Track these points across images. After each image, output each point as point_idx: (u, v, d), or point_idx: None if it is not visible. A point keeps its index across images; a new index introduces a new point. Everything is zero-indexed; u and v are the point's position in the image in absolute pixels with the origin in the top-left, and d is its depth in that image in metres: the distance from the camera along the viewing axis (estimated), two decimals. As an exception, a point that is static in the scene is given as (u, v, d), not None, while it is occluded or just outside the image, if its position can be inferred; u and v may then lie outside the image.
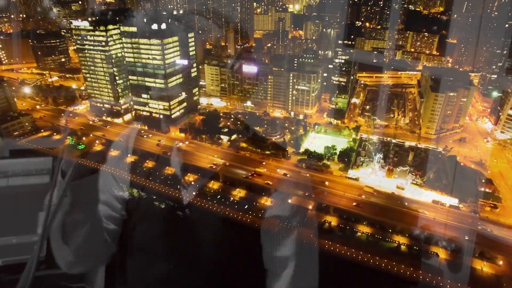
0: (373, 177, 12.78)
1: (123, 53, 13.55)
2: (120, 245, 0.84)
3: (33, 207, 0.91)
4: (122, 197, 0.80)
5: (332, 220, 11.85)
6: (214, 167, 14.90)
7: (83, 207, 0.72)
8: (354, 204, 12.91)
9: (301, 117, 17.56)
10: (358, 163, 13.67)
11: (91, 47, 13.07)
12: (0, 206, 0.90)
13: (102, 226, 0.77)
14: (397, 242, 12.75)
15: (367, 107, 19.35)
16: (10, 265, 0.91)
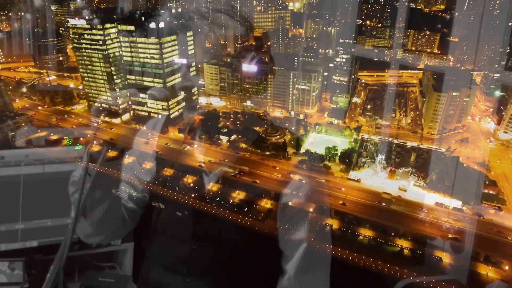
0: (374, 178, 13.63)
1: (120, 52, 13.77)
2: (145, 227, 0.91)
3: (66, 192, 1.01)
4: (145, 180, 0.84)
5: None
6: (203, 165, 16.05)
7: (102, 187, 0.77)
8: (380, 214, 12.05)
9: (301, 116, 17.69)
10: (359, 164, 14.27)
11: (88, 46, 13.18)
12: (36, 191, 1.03)
13: (119, 205, 0.83)
14: (400, 246, 13.14)
15: (368, 106, 19.49)
16: (45, 246, 1.03)
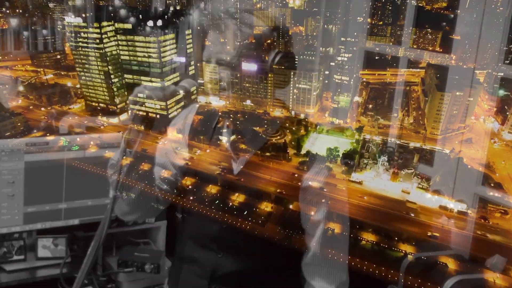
0: (377, 180, 13.40)
1: (118, 50, 13.57)
2: (177, 207, 0.97)
3: (104, 175, 1.03)
4: (179, 164, 0.91)
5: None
6: (189, 164, 17.10)
7: (138, 170, 0.82)
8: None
9: (302, 116, 17.92)
10: (361, 166, 13.89)
11: (85, 45, 12.91)
12: (78, 174, 1.12)
13: (154, 186, 0.88)
14: (403, 251, 12.82)
15: (370, 106, 19.93)
16: (85, 224, 1.11)
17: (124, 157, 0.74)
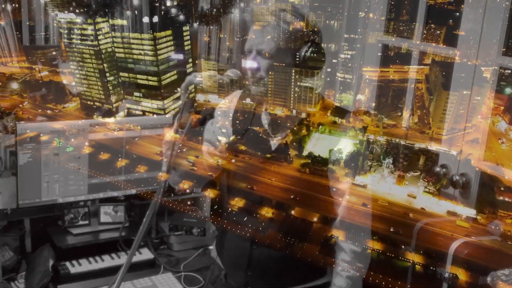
0: (382, 183, 13.42)
1: (113, 48, 13.54)
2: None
3: (157, 151, 1.25)
4: (224, 141, 1.02)
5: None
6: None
7: (188, 147, 0.91)
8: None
9: (303, 115, 18.51)
10: (365, 168, 13.80)
11: (79, 41, 12.91)
12: (135, 150, 1.25)
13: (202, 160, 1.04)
14: (411, 261, 12.60)
15: (373, 104, 20.11)
16: (141, 194, 1.25)
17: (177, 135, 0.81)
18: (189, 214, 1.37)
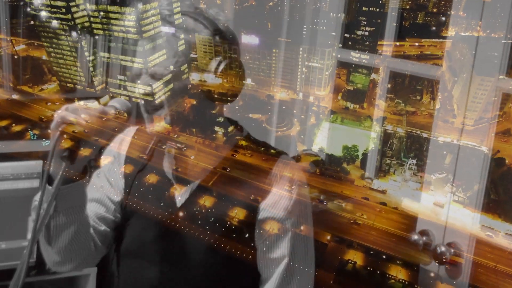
0: (404, 188, 11.51)
1: (90, 23, 12.52)
2: (110, 250, 0.91)
3: (22, 212, 1.04)
4: (117, 199, 0.84)
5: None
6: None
7: (65, 212, 0.71)
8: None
9: (311, 99, 17.10)
10: (383, 168, 11.70)
11: (49, 14, 11.95)
12: None
13: (88, 228, 0.80)
14: None
15: (389, 86, 18.36)
16: None
17: (44, 193, 0.65)
18: None
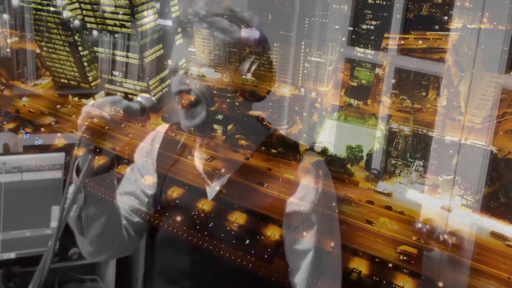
0: (410, 191, 11.30)
1: (83, 16, 12.30)
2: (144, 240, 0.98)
3: (46, 201, 1.19)
4: (150, 192, 0.93)
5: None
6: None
7: (95, 203, 0.80)
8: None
9: (313, 95, 16.72)
10: (389, 169, 11.61)
11: (39, 7, 11.74)
12: (15, 200, 1.16)
13: (119, 219, 0.88)
14: None
15: (393, 81, 18.20)
16: (23, 258, 1.16)
17: (71, 183, 0.73)
18: (87, 285, 1.31)
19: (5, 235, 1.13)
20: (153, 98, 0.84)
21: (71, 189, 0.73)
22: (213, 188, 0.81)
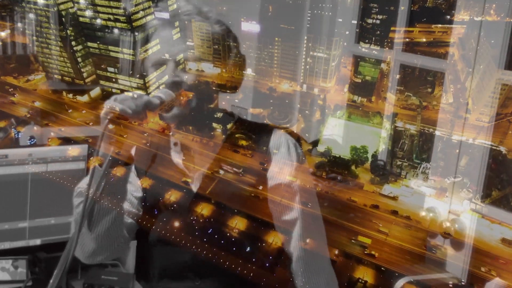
0: (417, 195, 10.79)
1: (75, 9, 12.10)
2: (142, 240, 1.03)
3: (69, 191, 1.12)
4: (138, 195, 0.98)
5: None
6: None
7: (109, 196, 0.81)
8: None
9: (315, 91, 16.80)
10: (394, 170, 11.12)
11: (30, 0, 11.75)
12: (40, 189, 1.19)
13: (123, 218, 0.88)
14: None
15: (397, 76, 18.09)
16: (48, 244, 1.19)
17: (94, 174, 0.75)
18: (109, 270, 1.29)
19: (31, 223, 1.16)
20: (173, 94, 0.82)
21: (94, 180, 0.73)
22: (195, 182, 0.86)
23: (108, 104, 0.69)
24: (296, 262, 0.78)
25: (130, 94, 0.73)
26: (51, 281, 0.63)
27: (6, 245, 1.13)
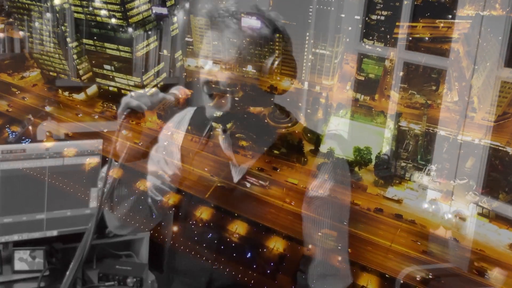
0: (421, 198, 10.06)
1: (69, 5, 11.77)
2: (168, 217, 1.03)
3: (85, 184, 1.28)
4: (171, 173, 0.95)
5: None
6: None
7: (127, 184, 0.86)
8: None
9: (317, 88, 16.35)
10: (398, 172, 10.51)
11: None
12: (57, 183, 1.25)
13: (146, 199, 0.93)
14: None
15: (401, 73, 17.68)
16: (64, 235, 1.27)
17: (112, 169, 0.79)
18: (123, 260, 1.35)
19: (49, 215, 1.21)
20: (188, 91, 0.85)
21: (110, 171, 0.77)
22: (239, 172, 0.84)
23: (124, 101, 0.71)
24: (316, 266, 0.78)
25: (145, 90, 0.76)
26: (68, 271, 0.65)
27: (24, 236, 1.17)
